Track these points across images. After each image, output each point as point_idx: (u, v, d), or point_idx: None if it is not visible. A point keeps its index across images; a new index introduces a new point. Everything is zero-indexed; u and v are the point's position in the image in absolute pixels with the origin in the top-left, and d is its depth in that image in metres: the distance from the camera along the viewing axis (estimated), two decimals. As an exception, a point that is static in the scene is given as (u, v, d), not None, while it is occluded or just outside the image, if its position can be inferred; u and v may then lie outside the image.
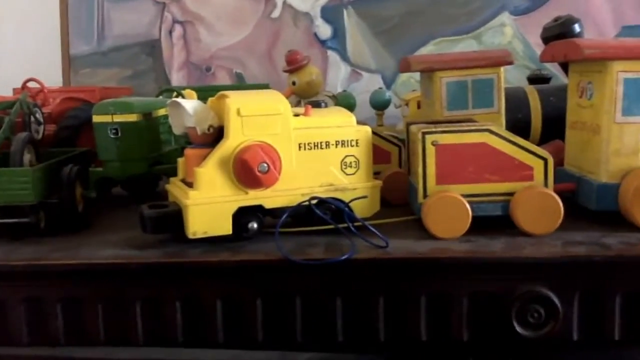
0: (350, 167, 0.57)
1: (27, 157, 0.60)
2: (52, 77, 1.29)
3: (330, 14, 1.24)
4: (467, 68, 0.70)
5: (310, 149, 0.55)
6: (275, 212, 0.54)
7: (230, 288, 0.50)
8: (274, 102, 0.54)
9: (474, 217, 0.55)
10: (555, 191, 0.59)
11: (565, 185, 0.60)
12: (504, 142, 0.55)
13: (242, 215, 0.53)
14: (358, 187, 0.57)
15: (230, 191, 0.52)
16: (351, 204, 0.57)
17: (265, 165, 0.52)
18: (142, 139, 0.59)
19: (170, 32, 1.29)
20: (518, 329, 0.50)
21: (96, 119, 0.58)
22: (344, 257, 0.49)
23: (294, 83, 0.84)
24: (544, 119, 0.76)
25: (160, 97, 0.73)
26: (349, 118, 0.57)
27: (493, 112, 0.71)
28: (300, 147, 0.55)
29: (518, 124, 0.74)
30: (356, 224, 0.55)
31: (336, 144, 0.56)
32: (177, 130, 0.55)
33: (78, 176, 0.61)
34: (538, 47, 1.17)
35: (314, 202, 0.54)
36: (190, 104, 0.54)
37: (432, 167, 0.56)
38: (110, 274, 0.51)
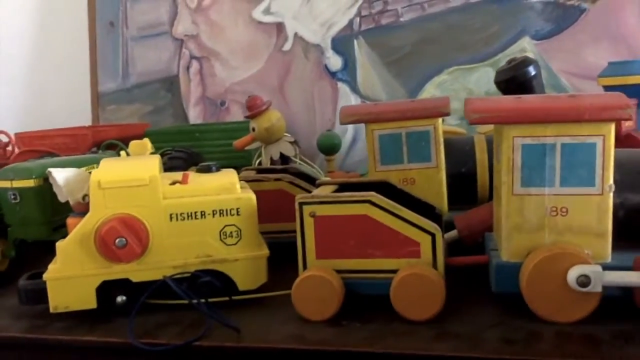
0: (231, 237, 0.54)
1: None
2: (83, 114, 1.37)
3: (341, 45, 1.21)
4: (400, 120, 0.65)
5: (184, 219, 0.53)
6: (145, 286, 0.52)
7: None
8: (140, 172, 0.52)
9: (363, 295, 0.50)
10: (463, 264, 0.53)
11: (473, 258, 0.53)
12: (387, 214, 0.50)
13: (111, 289, 0.52)
14: (239, 257, 0.54)
15: (94, 265, 0.51)
16: (235, 276, 0.54)
17: (124, 239, 0.50)
18: (43, 203, 0.59)
19: (187, 68, 1.31)
20: None
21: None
22: (176, 345, 0.46)
23: (253, 129, 0.82)
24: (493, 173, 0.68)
25: (99, 152, 0.74)
26: (231, 186, 0.54)
27: (431, 166, 0.65)
28: (172, 217, 0.52)
29: (462, 179, 0.67)
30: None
31: (213, 214, 0.53)
32: (60, 198, 0.55)
33: (-4, 236, 0.63)
34: (562, 74, 1.08)
35: (177, 275, 0.52)
36: (63, 174, 0.53)
37: (312, 240, 0.51)
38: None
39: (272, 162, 0.84)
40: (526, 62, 0.65)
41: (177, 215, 0.53)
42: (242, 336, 0.48)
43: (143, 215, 0.52)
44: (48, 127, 1.16)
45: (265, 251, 0.55)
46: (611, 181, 0.46)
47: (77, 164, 0.60)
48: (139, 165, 0.54)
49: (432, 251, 0.49)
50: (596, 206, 0.47)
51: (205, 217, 0.53)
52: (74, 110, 1.37)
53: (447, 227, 0.61)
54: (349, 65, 1.20)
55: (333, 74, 1.21)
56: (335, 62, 1.21)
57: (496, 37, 1.12)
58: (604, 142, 0.46)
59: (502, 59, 1.12)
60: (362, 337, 0.46)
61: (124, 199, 0.51)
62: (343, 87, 1.21)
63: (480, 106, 0.48)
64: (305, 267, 0.52)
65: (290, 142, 0.83)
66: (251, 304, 0.54)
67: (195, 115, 1.31)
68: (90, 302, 0.52)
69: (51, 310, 0.51)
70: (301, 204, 0.51)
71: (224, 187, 0.54)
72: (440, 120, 0.64)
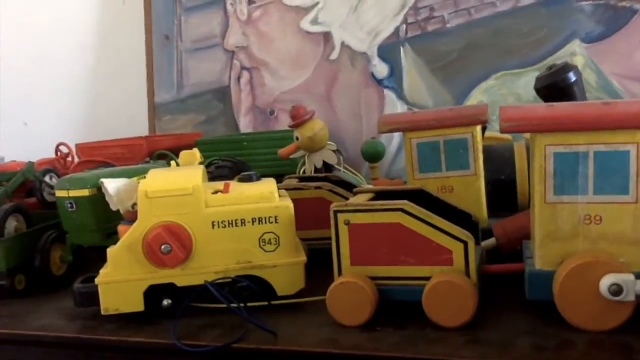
0: (270, 243, 0.56)
1: (12, 224, 0.67)
2: (140, 124, 1.43)
3: (387, 53, 1.22)
4: (438, 128, 0.66)
5: (225, 226, 0.55)
6: (189, 290, 0.55)
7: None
8: (184, 182, 0.55)
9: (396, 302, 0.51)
10: (499, 271, 0.53)
11: (501, 267, 0.54)
12: (420, 222, 0.51)
13: (157, 293, 0.55)
14: (278, 263, 0.56)
15: (142, 270, 0.54)
16: (274, 282, 0.56)
17: (169, 246, 0.53)
18: (96, 212, 0.63)
19: (238, 79, 1.35)
20: None
21: (57, 193, 0.63)
22: (216, 346, 0.48)
23: (297, 138, 0.84)
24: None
25: (150, 162, 0.78)
26: (270, 194, 0.56)
27: (469, 174, 0.66)
28: (214, 225, 0.55)
29: (501, 186, 0.67)
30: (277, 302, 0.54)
31: (252, 221, 0.56)
32: (111, 207, 0.59)
33: (54, 242, 0.67)
34: (613, 77, 1.05)
35: (218, 280, 0.54)
36: (114, 184, 0.57)
37: (346, 247, 0.53)
38: (38, 343, 0.55)
39: (316, 170, 0.86)
40: (566, 68, 0.64)
41: (218, 222, 0.55)
42: (278, 339, 0.49)
43: (187, 222, 0.54)
44: (108, 137, 1.22)
45: (302, 257, 0.57)
46: (646, 189, 0.46)
47: (129, 174, 0.64)
48: (184, 175, 0.57)
49: (465, 259, 0.50)
50: (631, 214, 0.46)
51: (245, 224, 0.55)
52: (131, 121, 1.43)
53: (486, 234, 0.62)
54: (395, 72, 1.21)
55: (379, 82, 1.22)
56: (381, 69, 1.22)
57: (545, 40, 1.10)
58: (638, 149, 0.46)
59: (551, 63, 1.10)
60: (394, 342, 0.47)
61: (169, 208, 0.54)
62: (389, 95, 1.21)
63: (512, 114, 0.49)
64: (340, 273, 0.53)
65: (333, 151, 0.85)
66: (289, 308, 0.56)
67: (245, 124, 1.34)
68: (138, 305, 0.55)
69: (102, 312, 0.55)
70: (336, 212, 0.53)
71: (263, 196, 0.56)
72: (478, 127, 0.65)
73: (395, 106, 1.20)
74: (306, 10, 1.28)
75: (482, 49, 1.15)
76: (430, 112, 0.68)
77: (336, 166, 0.87)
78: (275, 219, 0.56)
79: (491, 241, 0.62)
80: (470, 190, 0.66)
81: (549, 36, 1.10)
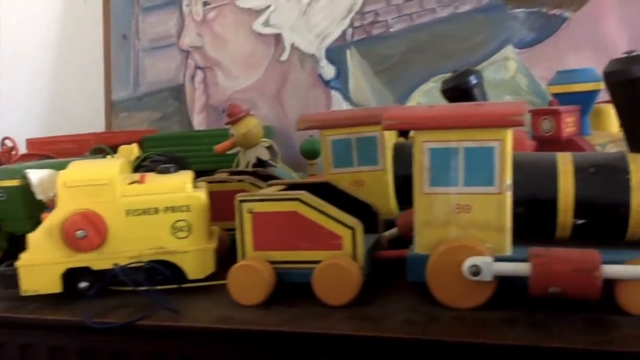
0: (182, 231, 0.60)
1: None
2: (97, 121, 1.47)
3: (335, 55, 1.27)
4: (350, 126, 0.70)
5: (139, 214, 0.60)
6: (104, 273, 0.59)
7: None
8: (102, 172, 0.59)
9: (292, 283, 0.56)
10: (390, 257, 0.58)
11: (391, 253, 0.59)
12: (314, 211, 0.56)
13: (75, 276, 0.59)
14: (190, 250, 0.61)
15: (60, 254, 0.59)
16: (185, 267, 0.61)
17: (84, 232, 0.57)
18: (26, 201, 0.67)
19: (192, 78, 1.39)
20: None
21: (-11, 184, 0.67)
22: (121, 323, 0.53)
23: (232, 135, 0.89)
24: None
25: (87, 156, 0.82)
26: (183, 185, 0.61)
27: (378, 169, 0.71)
28: (128, 213, 0.59)
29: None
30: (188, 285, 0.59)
31: (165, 210, 0.60)
32: (36, 196, 0.63)
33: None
34: (543, 81, 1.11)
35: (131, 264, 0.59)
36: (37, 174, 0.61)
37: (250, 234, 0.58)
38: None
39: (254, 166, 0.91)
40: (468, 72, 0.70)
41: (132, 211, 0.59)
42: (180, 317, 0.54)
43: (102, 210, 0.59)
44: (67, 133, 1.25)
45: (212, 244, 0.61)
46: (509, 181, 0.51)
47: (57, 167, 0.68)
48: (102, 166, 0.61)
49: (353, 244, 0.55)
50: (496, 203, 0.52)
51: (158, 213, 0.60)
52: (89, 118, 1.47)
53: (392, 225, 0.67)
54: (341, 74, 1.26)
55: (327, 83, 1.27)
56: (328, 71, 1.27)
57: (480, 46, 1.16)
58: (502, 145, 0.51)
59: (487, 67, 1.16)
60: (284, 318, 0.52)
61: (86, 196, 0.58)
62: (336, 95, 1.27)
63: (394, 114, 0.54)
64: (244, 258, 0.58)
65: (267, 147, 0.90)
66: (200, 291, 0.60)
67: (199, 122, 1.38)
68: (56, 287, 0.59)
69: (22, 294, 0.59)
70: (241, 202, 0.57)
71: (176, 186, 0.61)
72: (386, 126, 0.70)
73: (341, 106, 1.25)
74: (258, 12, 1.32)
75: (422, 52, 1.20)
76: (344, 112, 0.73)
77: (270, 162, 0.91)
78: (188, 208, 0.60)
79: (393, 231, 0.67)
80: (380, 184, 0.71)
81: (485, 41, 1.16)
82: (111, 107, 1.47)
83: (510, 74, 1.15)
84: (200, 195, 0.61)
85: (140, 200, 0.60)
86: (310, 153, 1.01)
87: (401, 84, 1.21)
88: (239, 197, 0.57)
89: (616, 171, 0.51)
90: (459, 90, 0.70)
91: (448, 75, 0.72)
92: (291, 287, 0.57)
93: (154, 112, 1.43)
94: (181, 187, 0.61)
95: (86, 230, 0.57)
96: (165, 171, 0.64)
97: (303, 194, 0.56)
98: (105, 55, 1.47)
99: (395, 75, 1.22)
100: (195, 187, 0.63)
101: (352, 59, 1.25)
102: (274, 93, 1.32)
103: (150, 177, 0.62)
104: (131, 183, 0.61)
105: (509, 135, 0.51)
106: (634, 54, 0.51)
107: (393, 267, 0.60)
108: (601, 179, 0.51)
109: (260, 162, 0.90)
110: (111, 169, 0.60)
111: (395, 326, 0.49)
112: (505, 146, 0.51)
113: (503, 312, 0.50)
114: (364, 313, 0.52)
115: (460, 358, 0.46)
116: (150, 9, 1.43)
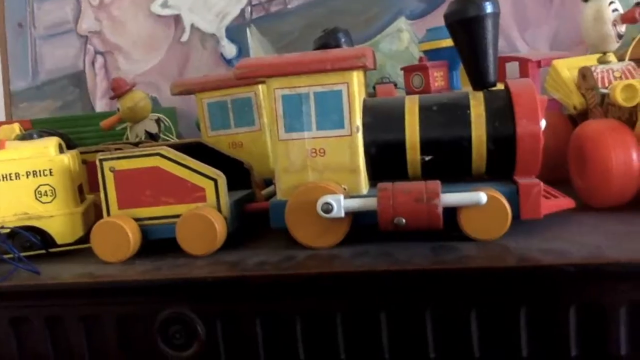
0: (46, 195, 0.59)
1: None
2: (-2, 112, 1.42)
3: (235, 34, 1.26)
4: (224, 88, 0.71)
5: (1, 180, 0.58)
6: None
7: None
8: (-43, 141, 0.57)
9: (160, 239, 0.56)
10: (259, 209, 0.59)
11: (258, 204, 0.60)
12: (175, 165, 0.56)
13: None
14: (55, 214, 0.60)
15: None
16: (52, 231, 0.60)
17: (-60, 199, 0.56)
18: None
19: (93, 63, 1.36)
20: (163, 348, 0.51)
21: None
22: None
23: (118, 109, 0.88)
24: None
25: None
26: (45, 149, 0.60)
27: (255, 130, 0.72)
28: (-12, 179, 0.58)
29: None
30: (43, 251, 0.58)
31: (27, 174, 0.59)
32: None
33: None
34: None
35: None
36: None
37: (113, 193, 0.57)
38: None
39: (144, 139, 0.90)
40: (335, 30, 0.71)
41: (-7, 177, 0.58)
42: (42, 278, 0.53)
43: (-40, 178, 0.57)
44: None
45: (79, 208, 0.61)
46: (358, 123, 0.53)
47: None
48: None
49: (216, 195, 0.55)
50: (347, 146, 0.53)
51: (19, 178, 0.59)
52: (-14, 109, 1.42)
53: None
54: (243, 52, 1.26)
55: (229, 62, 1.27)
56: (230, 50, 1.27)
57: (375, 19, 1.19)
58: (348, 88, 0.53)
59: (382, 39, 1.19)
60: (144, 270, 0.52)
61: (-55, 165, 0.57)
62: (238, 73, 1.26)
63: (246, 63, 0.54)
64: (108, 216, 0.57)
65: (155, 120, 0.89)
66: (69, 255, 0.59)
67: (102, 108, 1.36)
68: None
69: None
70: (101, 161, 0.57)
71: (38, 151, 0.59)
72: (260, 86, 0.71)
73: (244, 84, 1.25)
74: (156, -6, 1.31)
75: (319, 28, 1.20)
76: (219, 75, 0.73)
77: (161, 135, 0.91)
78: (50, 172, 0.59)
79: (271, 188, 0.68)
80: (258, 144, 0.72)
81: (379, 15, 1.19)
82: (10, 98, 1.42)
83: (404, 45, 1.18)
84: (63, 159, 0.60)
85: (1, 166, 0.58)
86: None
87: (301, 59, 1.22)
88: (100, 156, 0.57)
89: (457, 107, 0.53)
90: (328, 47, 0.71)
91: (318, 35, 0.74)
92: (161, 244, 0.57)
93: (55, 100, 1.40)
94: (43, 152, 0.60)
95: (-58, 198, 0.56)
96: (29, 137, 0.62)
97: (163, 149, 0.56)
98: (1, 45, 1.42)
99: (295, 50, 1.22)
100: (61, 152, 0.62)
101: (253, 37, 1.26)
102: (176, 74, 1.30)
103: (11, 143, 0.61)
104: (-9, 149, 0.60)
105: (354, 78, 0.53)
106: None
107: (265, 220, 0.61)
108: (444, 116, 0.53)
109: (151, 136, 0.90)
110: (-33, 136, 0.58)
111: (248, 267, 0.50)
112: (352, 89, 0.53)
113: (356, 247, 0.51)
114: (224, 259, 0.53)
115: (311, 291, 0.48)
116: (45, -4, 1.39)
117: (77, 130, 1.02)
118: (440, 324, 0.46)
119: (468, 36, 0.54)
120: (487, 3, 0.53)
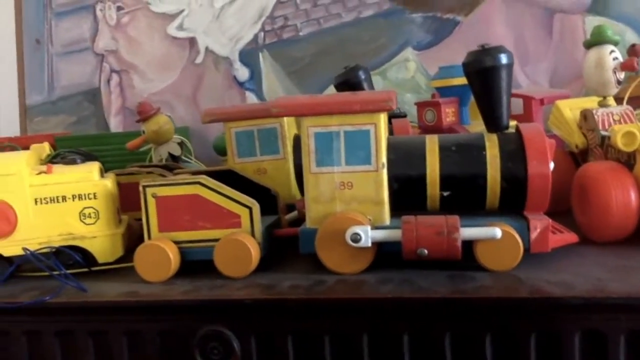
0: (90, 217, 0.64)
1: None
2: (12, 125, 1.46)
3: (248, 58, 1.32)
4: (252, 118, 0.76)
5: (47, 202, 0.63)
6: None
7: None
8: (9, 164, 0.62)
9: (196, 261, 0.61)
10: (288, 234, 0.64)
11: (287, 230, 0.65)
12: (213, 193, 0.61)
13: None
14: (98, 235, 0.64)
15: (-29, 241, 0.61)
16: (94, 251, 0.64)
17: (-7, 220, 0.60)
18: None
19: (108, 81, 1.41)
20: (200, 365, 0.55)
21: None
22: (28, 302, 0.56)
23: (143, 132, 0.92)
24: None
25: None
26: (89, 174, 0.65)
27: (279, 158, 0.77)
28: (36, 201, 0.63)
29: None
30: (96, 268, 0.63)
31: (73, 198, 0.63)
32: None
33: None
34: (440, 80, 1.20)
35: (41, 250, 0.62)
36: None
37: (154, 217, 0.62)
38: None
39: (167, 161, 0.95)
40: (357, 68, 0.77)
41: (41, 199, 0.63)
42: (88, 295, 0.58)
43: (11, 200, 0.62)
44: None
45: (120, 229, 0.65)
46: (384, 160, 0.58)
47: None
48: (10, 158, 0.64)
49: (250, 222, 0.60)
50: (373, 180, 0.58)
51: (66, 200, 0.63)
52: (3, 123, 1.46)
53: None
54: (255, 75, 1.31)
55: (241, 84, 1.32)
56: (242, 73, 1.32)
57: (383, 48, 1.25)
58: (376, 129, 0.58)
59: (389, 68, 1.25)
60: (185, 290, 0.57)
61: (-5, 187, 0.61)
62: (250, 96, 1.32)
63: (282, 102, 0.60)
64: (149, 239, 0.62)
65: (178, 143, 0.94)
66: (110, 274, 0.64)
67: (116, 125, 1.40)
68: (-31, 273, 0.61)
69: None
70: (145, 187, 0.62)
71: (83, 176, 0.64)
72: (285, 119, 0.76)
73: (255, 106, 1.30)
74: (172, 17, 1.36)
75: (330, 55, 1.27)
76: (246, 106, 0.79)
77: (183, 158, 0.96)
78: (95, 196, 0.64)
79: (294, 213, 0.73)
80: (281, 171, 0.77)
81: (387, 44, 1.24)
82: (25, 112, 1.47)
83: (411, 74, 1.24)
84: (106, 183, 0.65)
85: (48, 189, 0.63)
86: (223, 149, 1.05)
87: (311, 84, 1.28)
88: (143, 182, 0.62)
89: (474, 148, 0.59)
90: (348, 84, 0.77)
91: (341, 71, 0.79)
92: (197, 266, 0.61)
93: (70, 115, 1.44)
94: (87, 177, 0.64)
95: (-5, 218, 0.60)
96: (72, 162, 0.67)
97: (203, 178, 0.61)
98: (18, 60, 1.46)
99: (305, 76, 1.29)
100: (102, 177, 0.67)
101: (265, 61, 1.31)
102: (190, 95, 1.35)
103: (57, 167, 0.66)
104: (39, 174, 0.64)
105: (381, 119, 0.58)
106: (487, 46, 0.59)
107: (292, 244, 0.66)
108: (462, 155, 0.59)
109: (173, 158, 0.94)
110: (18, 160, 0.63)
111: (283, 289, 0.55)
112: (379, 129, 0.58)
113: (380, 274, 0.57)
114: (258, 282, 0.58)
115: (341, 313, 0.53)
116: (63, 14, 1.44)
117: (96, 149, 1.06)
118: (458, 347, 0.51)
119: (484, 84, 0.59)
120: (502, 55, 0.58)
